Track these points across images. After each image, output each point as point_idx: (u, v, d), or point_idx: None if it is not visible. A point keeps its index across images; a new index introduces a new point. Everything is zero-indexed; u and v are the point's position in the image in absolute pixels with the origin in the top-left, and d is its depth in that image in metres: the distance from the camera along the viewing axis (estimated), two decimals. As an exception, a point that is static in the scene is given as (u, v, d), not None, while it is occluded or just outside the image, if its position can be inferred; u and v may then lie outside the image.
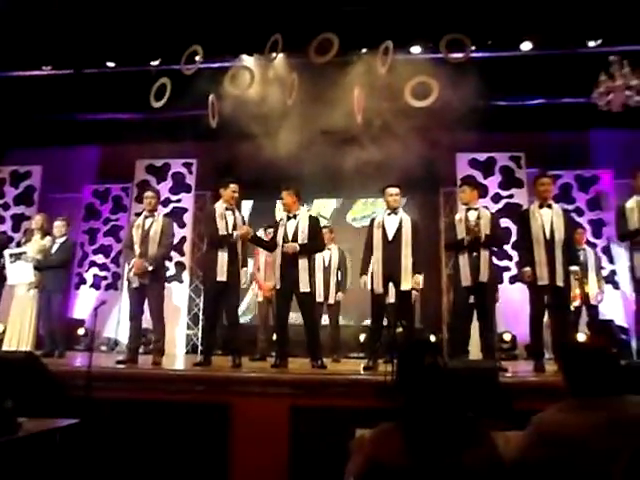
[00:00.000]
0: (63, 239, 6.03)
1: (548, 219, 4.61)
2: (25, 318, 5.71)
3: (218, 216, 4.95)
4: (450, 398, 1.67)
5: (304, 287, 4.76)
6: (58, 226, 6.05)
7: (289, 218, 4.93)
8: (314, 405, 3.71)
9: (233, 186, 5.07)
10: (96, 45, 6.78)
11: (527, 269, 4.56)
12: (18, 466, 2.47)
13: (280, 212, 5.07)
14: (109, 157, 8.66)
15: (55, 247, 5.95)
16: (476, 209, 4.84)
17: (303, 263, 4.80)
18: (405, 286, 4.70)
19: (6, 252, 5.90)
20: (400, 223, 4.84)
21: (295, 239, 4.83)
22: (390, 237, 4.79)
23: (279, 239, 4.90)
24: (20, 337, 5.60)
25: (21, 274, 5.77)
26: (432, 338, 6.75)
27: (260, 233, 5.89)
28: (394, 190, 4.90)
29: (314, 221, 5.00)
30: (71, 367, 4.74)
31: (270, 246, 5.07)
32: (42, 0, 6.07)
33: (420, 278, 4.76)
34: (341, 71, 6.03)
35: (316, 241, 4.97)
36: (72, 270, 7.09)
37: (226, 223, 4.94)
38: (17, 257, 5.79)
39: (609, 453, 1.63)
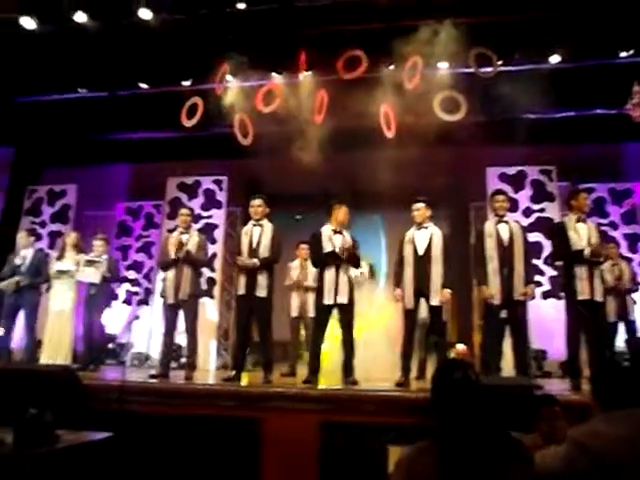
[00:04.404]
0: (106, 256, 6.18)
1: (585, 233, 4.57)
2: (62, 333, 5.84)
3: (243, 233, 5.06)
4: (486, 414, 1.63)
5: (345, 299, 4.73)
6: (97, 245, 6.18)
7: (335, 232, 4.91)
8: (346, 421, 3.67)
9: (254, 201, 5.12)
10: (129, 67, 7.00)
11: None
12: (56, 477, 2.52)
13: (327, 228, 4.99)
14: (141, 175, 8.87)
15: (104, 265, 6.05)
16: (506, 222, 4.78)
17: (344, 277, 4.79)
18: (435, 301, 4.65)
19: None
20: (430, 238, 4.80)
21: (346, 251, 4.79)
22: (421, 252, 4.75)
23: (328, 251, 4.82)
24: (57, 351, 5.72)
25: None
26: (461, 346, 6.63)
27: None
28: (418, 205, 4.88)
29: (354, 238, 4.97)
30: (104, 381, 4.81)
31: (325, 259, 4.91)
32: (79, 28, 6.29)
33: (448, 292, 4.70)
34: (370, 87, 6.06)
35: (358, 257, 4.96)
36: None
37: (251, 239, 4.98)
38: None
39: None
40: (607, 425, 1.72)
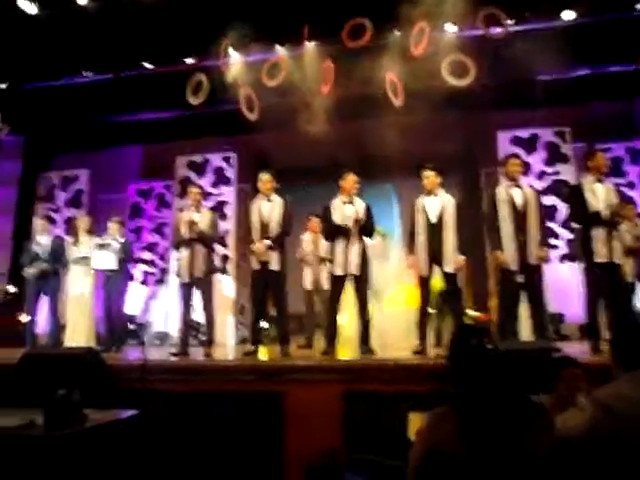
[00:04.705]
0: (122, 239, 6.21)
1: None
2: (83, 316, 5.95)
3: (254, 210, 5.03)
4: (504, 378, 1.64)
5: (357, 270, 4.73)
6: (113, 228, 6.19)
7: (345, 203, 4.88)
8: (366, 390, 3.71)
9: (263, 176, 5.06)
10: (131, 47, 6.93)
11: None
12: (86, 455, 2.59)
13: (337, 200, 4.94)
14: (151, 156, 8.88)
15: (116, 247, 6.06)
16: (520, 187, 4.70)
17: (357, 247, 4.76)
18: (449, 268, 4.64)
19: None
20: (442, 205, 4.75)
21: (355, 223, 4.76)
22: (433, 220, 4.71)
23: (339, 223, 4.78)
24: (80, 334, 5.84)
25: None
26: (473, 312, 6.66)
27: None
28: (427, 172, 4.82)
29: (368, 206, 4.92)
30: (127, 361, 4.90)
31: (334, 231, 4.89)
32: (79, 10, 6.22)
33: (462, 259, 4.67)
34: (376, 54, 5.94)
35: (371, 225, 4.92)
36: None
37: (261, 214, 4.98)
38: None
39: None
40: (631, 387, 1.71)
